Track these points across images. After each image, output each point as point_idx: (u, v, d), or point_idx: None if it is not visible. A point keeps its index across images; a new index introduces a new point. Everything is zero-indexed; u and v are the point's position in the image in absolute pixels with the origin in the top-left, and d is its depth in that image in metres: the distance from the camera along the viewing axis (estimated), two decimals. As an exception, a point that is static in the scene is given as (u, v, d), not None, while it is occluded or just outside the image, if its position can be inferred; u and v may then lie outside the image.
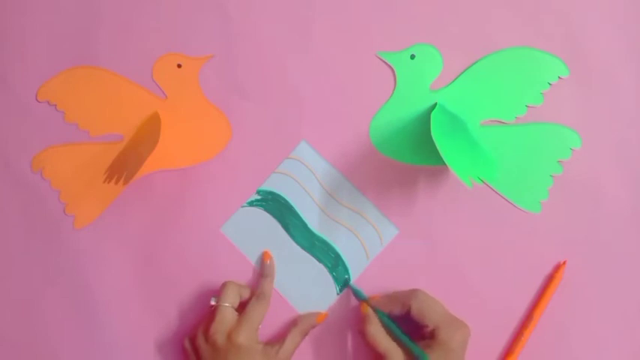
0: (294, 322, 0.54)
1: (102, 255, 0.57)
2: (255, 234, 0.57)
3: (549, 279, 0.55)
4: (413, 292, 0.51)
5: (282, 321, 0.56)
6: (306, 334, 0.54)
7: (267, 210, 0.57)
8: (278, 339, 0.53)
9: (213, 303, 0.53)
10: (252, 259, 0.57)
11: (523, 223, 0.56)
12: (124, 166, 0.54)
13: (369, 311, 0.52)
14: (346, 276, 0.56)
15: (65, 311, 0.57)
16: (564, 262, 0.55)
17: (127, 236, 0.57)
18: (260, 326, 0.53)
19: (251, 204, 0.57)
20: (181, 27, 0.58)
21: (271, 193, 0.57)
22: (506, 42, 0.56)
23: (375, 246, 0.56)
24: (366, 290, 0.55)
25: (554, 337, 0.55)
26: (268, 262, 0.56)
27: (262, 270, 0.56)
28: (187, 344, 0.53)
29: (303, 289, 0.56)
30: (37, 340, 0.56)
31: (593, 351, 0.55)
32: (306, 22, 0.58)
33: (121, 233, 0.57)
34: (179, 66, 0.57)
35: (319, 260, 0.56)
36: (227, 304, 0.52)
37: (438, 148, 0.48)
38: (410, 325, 0.51)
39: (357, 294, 0.55)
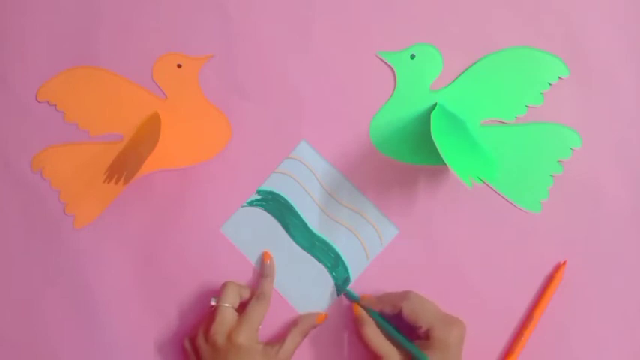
0: (294, 323, 0.54)
1: (102, 255, 0.57)
2: (255, 234, 0.57)
3: (549, 279, 0.55)
4: (404, 293, 0.51)
5: (282, 321, 0.56)
6: (306, 334, 0.54)
7: (267, 210, 0.57)
8: (278, 339, 0.53)
9: (213, 303, 0.53)
10: (252, 259, 0.57)
11: (523, 223, 0.56)
12: (124, 166, 0.54)
13: (363, 313, 0.52)
14: (346, 276, 0.56)
15: (65, 311, 0.57)
16: (564, 262, 0.55)
17: (127, 236, 0.57)
18: (260, 326, 0.53)
19: (251, 204, 0.57)
20: (181, 27, 0.58)
21: (271, 193, 0.57)
22: (506, 42, 0.56)
23: (375, 246, 0.56)
24: (367, 290, 0.55)
25: (554, 337, 0.55)
26: (268, 262, 0.56)
27: (262, 270, 0.56)
28: (187, 344, 0.53)
29: (303, 289, 0.56)
30: (37, 340, 0.56)
31: (593, 351, 0.55)
32: (306, 22, 0.58)
33: (121, 233, 0.57)
34: (179, 66, 0.57)
35: (319, 260, 0.56)
36: (227, 305, 0.52)
37: (438, 148, 0.48)
38: (403, 326, 0.51)
39: (349, 295, 0.55)
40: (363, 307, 0.53)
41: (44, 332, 0.57)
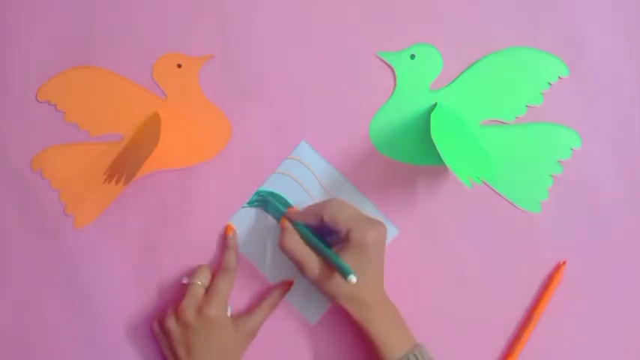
0: (264, 296, 0.55)
1: (102, 255, 0.57)
2: (255, 234, 0.57)
3: (549, 279, 0.55)
4: (325, 201, 0.52)
5: (282, 321, 0.56)
6: (275, 305, 0.55)
7: (267, 210, 0.57)
8: (247, 311, 0.54)
9: (184, 281, 0.53)
10: (253, 260, 0.57)
11: (523, 223, 0.56)
12: (124, 166, 0.54)
13: (286, 224, 0.53)
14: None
15: (65, 311, 0.57)
16: (564, 262, 0.55)
17: (126, 236, 0.57)
18: (230, 300, 0.54)
19: (251, 204, 0.57)
20: (181, 27, 0.58)
21: (271, 193, 0.57)
22: (506, 42, 0.56)
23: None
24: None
25: (554, 337, 0.55)
26: (231, 234, 0.56)
27: (226, 242, 0.56)
28: (156, 326, 0.53)
29: (304, 289, 0.56)
30: (37, 339, 0.56)
31: (593, 351, 0.55)
32: (306, 22, 0.58)
33: (121, 233, 0.57)
34: (179, 66, 0.57)
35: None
36: (198, 282, 0.53)
37: (438, 148, 0.48)
38: (330, 236, 0.52)
39: (273, 210, 0.56)
40: (290, 220, 0.53)
41: (44, 332, 0.57)
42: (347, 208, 0.51)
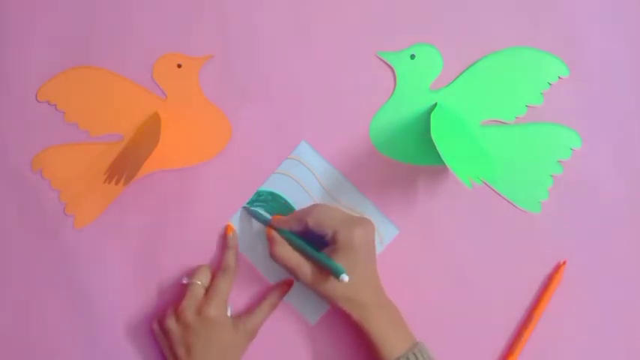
0: (264, 296, 0.55)
1: (102, 255, 0.57)
2: (255, 234, 0.57)
3: (549, 279, 0.55)
4: (310, 207, 0.53)
5: (282, 321, 0.56)
6: (275, 306, 0.55)
7: (267, 210, 0.57)
8: (246, 311, 0.54)
9: (184, 281, 0.53)
10: (253, 260, 0.57)
11: (523, 223, 0.56)
12: (124, 166, 0.54)
13: (273, 234, 0.53)
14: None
15: (65, 311, 0.57)
16: (564, 262, 0.55)
17: (126, 236, 0.57)
18: (230, 300, 0.54)
19: (251, 204, 0.57)
20: (181, 27, 0.58)
21: (271, 193, 0.57)
22: (506, 42, 0.56)
23: (376, 246, 0.56)
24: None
25: (554, 337, 0.55)
26: (231, 234, 0.56)
27: (226, 242, 0.56)
28: (156, 326, 0.53)
29: (303, 289, 0.56)
30: (37, 340, 0.56)
31: (593, 351, 0.55)
32: (306, 22, 0.58)
33: (121, 233, 0.57)
34: (179, 66, 0.57)
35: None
36: (198, 282, 0.53)
37: (438, 148, 0.48)
38: (318, 240, 0.52)
39: (258, 218, 0.55)
40: (275, 228, 0.53)
41: (44, 332, 0.57)
42: (331, 211, 0.52)
